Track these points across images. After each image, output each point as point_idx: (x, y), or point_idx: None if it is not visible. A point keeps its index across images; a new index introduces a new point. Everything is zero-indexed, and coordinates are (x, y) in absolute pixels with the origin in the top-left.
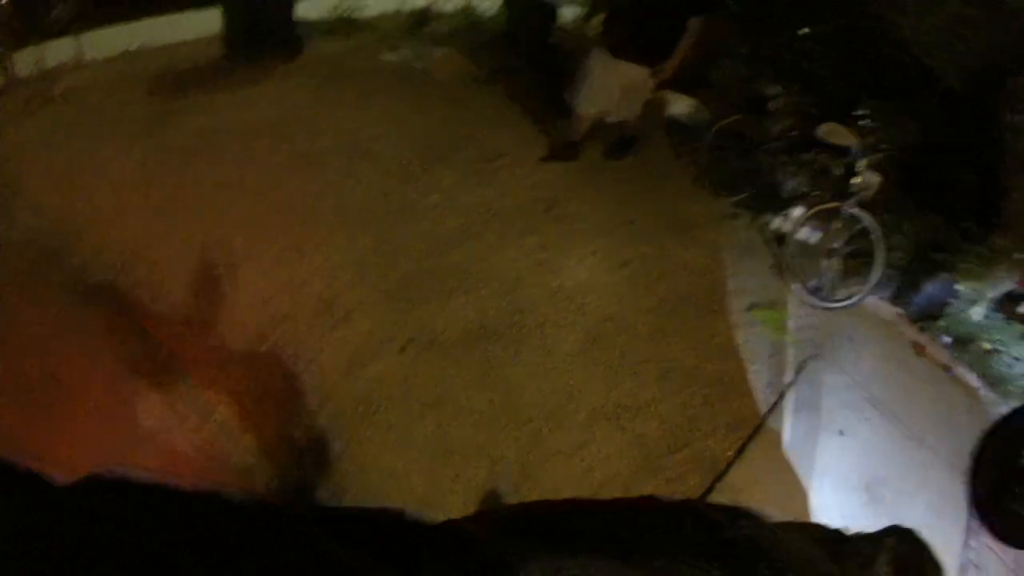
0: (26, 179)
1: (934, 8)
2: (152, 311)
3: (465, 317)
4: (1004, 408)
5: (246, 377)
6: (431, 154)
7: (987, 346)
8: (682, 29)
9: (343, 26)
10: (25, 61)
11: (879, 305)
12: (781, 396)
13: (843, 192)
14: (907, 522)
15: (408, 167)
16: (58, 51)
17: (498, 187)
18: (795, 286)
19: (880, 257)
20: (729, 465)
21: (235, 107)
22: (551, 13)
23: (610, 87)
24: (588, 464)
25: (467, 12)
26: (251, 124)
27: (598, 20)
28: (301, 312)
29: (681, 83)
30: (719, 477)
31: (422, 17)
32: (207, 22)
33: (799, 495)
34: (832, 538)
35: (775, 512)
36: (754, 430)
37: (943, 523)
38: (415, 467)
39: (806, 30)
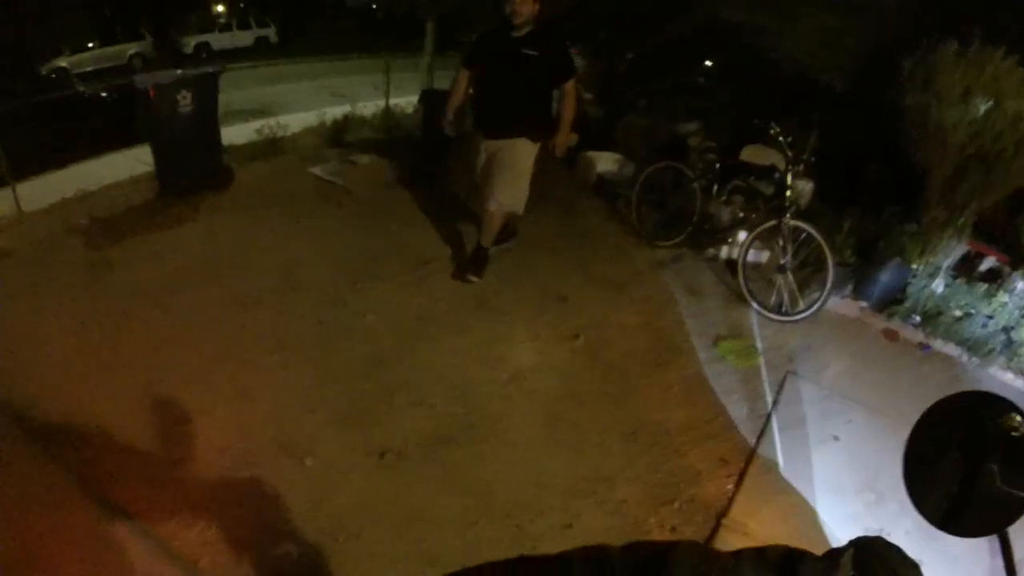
0: None
1: (795, 25)
2: (116, 472)
3: (422, 429)
4: (991, 370)
5: (220, 525)
6: (360, 273)
7: (957, 313)
8: (547, 98)
9: (268, 148)
10: None
11: (842, 304)
12: (767, 419)
13: (778, 208)
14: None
15: (339, 292)
16: None
17: (427, 294)
18: (756, 307)
19: (830, 260)
20: (731, 501)
21: (170, 252)
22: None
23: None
24: (579, 544)
25: (385, 114)
26: (185, 270)
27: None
28: (260, 455)
29: (593, 143)
30: (721, 515)
31: (342, 126)
32: (138, 161)
33: (806, 512)
34: (790, 559)
35: (784, 537)
36: (747, 459)
37: None
38: None
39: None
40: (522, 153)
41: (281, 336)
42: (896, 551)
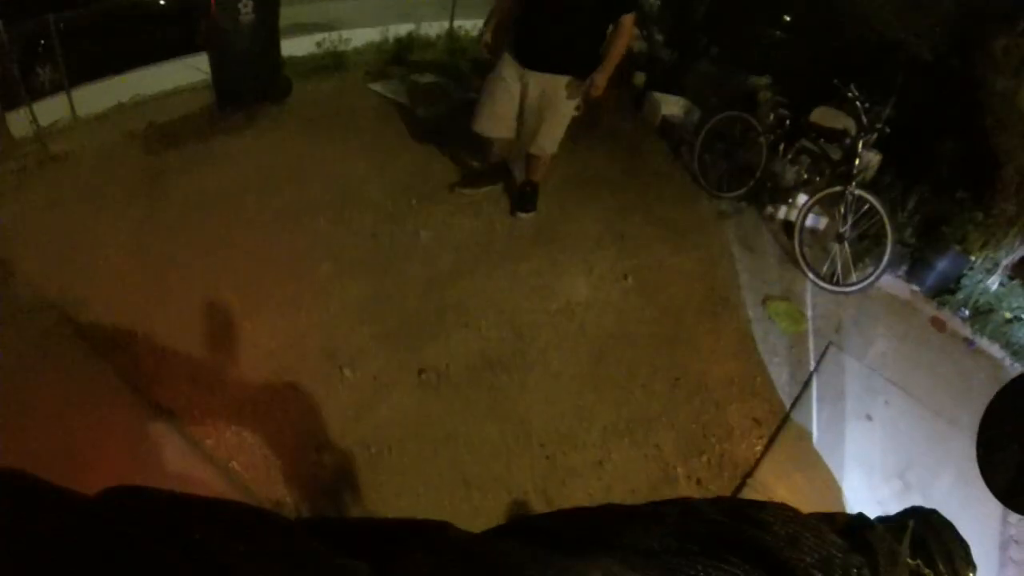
0: (26, 249)
1: None
2: (160, 372)
3: (468, 351)
4: None
5: (257, 429)
6: (418, 192)
7: (1007, 315)
8: (602, 33)
9: (328, 61)
10: (18, 123)
11: (894, 284)
12: (805, 386)
13: (844, 175)
14: (941, 503)
15: (396, 208)
16: (51, 110)
17: (486, 218)
18: (808, 274)
19: (890, 236)
20: (758, 462)
21: (227, 160)
22: None
23: (506, 107)
24: (606, 483)
25: (450, 36)
26: (242, 178)
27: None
28: (305, 363)
29: (661, 85)
30: (747, 475)
31: (406, 44)
32: (196, 69)
33: (831, 488)
34: (857, 525)
35: (809, 508)
36: (780, 424)
37: (977, 500)
38: (432, 505)
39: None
40: (570, 93)
41: (335, 248)
42: (951, 527)
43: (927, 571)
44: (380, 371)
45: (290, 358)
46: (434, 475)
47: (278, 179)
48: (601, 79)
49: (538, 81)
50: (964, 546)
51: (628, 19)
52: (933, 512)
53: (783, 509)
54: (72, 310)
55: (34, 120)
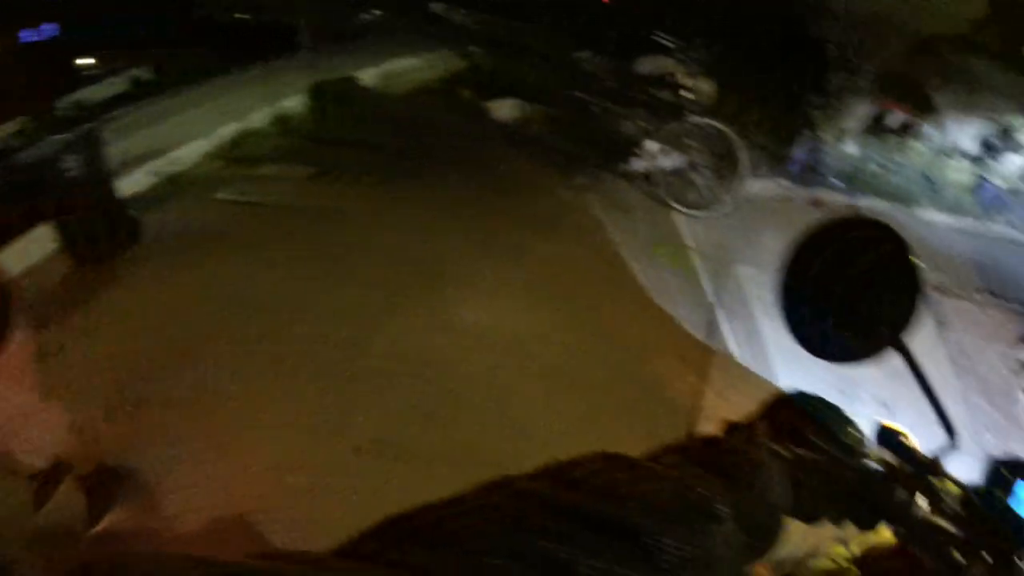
0: None
1: None
2: None
3: (402, 411)
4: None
5: None
6: (302, 281)
7: (875, 168)
8: None
9: (168, 187)
10: None
11: (766, 186)
12: (714, 311)
13: (679, 109)
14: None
15: (285, 304)
16: None
17: (369, 284)
18: (681, 209)
19: (740, 148)
20: (700, 396)
21: (104, 321)
22: (353, 86)
23: None
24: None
25: (278, 120)
26: (124, 332)
27: None
28: (264, 488)
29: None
30: (695, 410)
31: (238, 142)
32: (45, 239)
33: (771, 390)
34: (715, 443)
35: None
36: (706, 354)
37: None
38: None
39: None
40: None
41: (237, 363)
42: (818, 400)
43: (804, 452)
44: (321, 466)
45: (245, 487)
46: None
47: (156, 321)
48: None
49: None
50: (837, 412)
51: None
52: (797, 394)
53: (599, 460)
54: None
55: None
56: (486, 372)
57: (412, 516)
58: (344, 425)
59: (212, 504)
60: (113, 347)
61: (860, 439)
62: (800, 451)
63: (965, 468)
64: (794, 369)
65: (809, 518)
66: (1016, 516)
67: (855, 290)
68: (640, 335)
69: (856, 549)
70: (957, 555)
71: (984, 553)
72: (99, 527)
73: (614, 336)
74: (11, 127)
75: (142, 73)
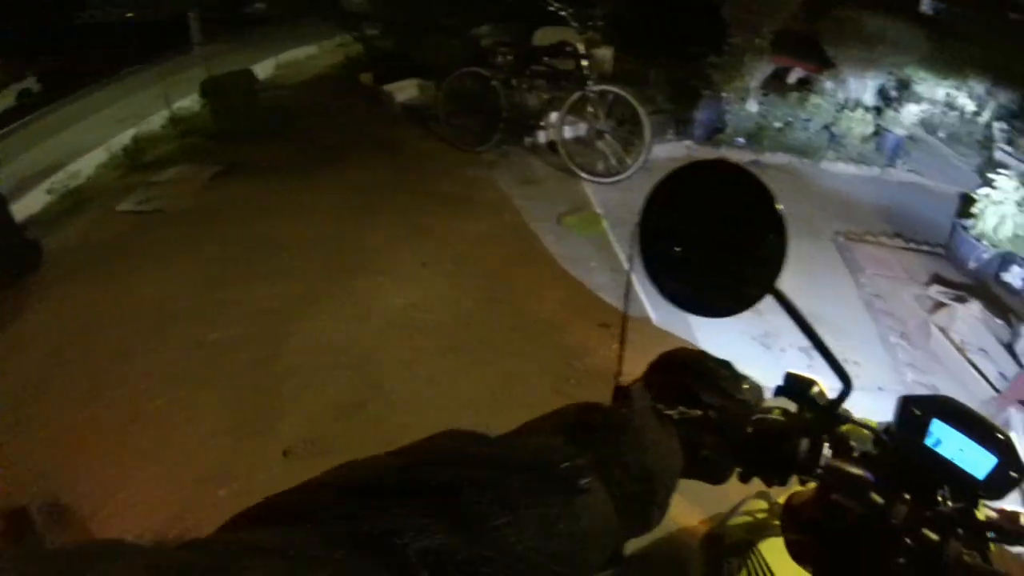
0: None
1: None
2: None
3: (323, 408)
4: (823, 165)
5: None
6: (214, 283)
7: (778, 125)
8: None
9: (68, 203)
10: None
11: (672, 148)
12: (628, 276)
13: (580, 78)
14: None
15: (195, 305)
16: None
17: (286, 276)
18: (587, 176)
19: (641, 113)
20: (620, 361)
21: (15, 350)
22: (248, 76)
23: None
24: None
25: (175, 120)
26: (36, 359)
27: None
28: (187, 503)
29: (390, 77)
30: (617, 375)
31: (136, 149)
32: None
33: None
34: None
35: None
36: (622, 320)
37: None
38: None
39: None
40: None
41: (163, 373)
42: (702, 356)
43: (694, 412)
44: (251, 473)
45: (171, 504)
46: None
47: (75, 340)
48: None
49: None
50: (726, 365)
51: None
52: (679, 351)
53: (449, 437)
54: None
55: None
56: (409, 359)
57: (278, 496)
58: (270, 428)
59: (148, 523)
60: (28, 375)
61: (757, 392)
62: (689, 411)
63: (889, 408)
64: (712, 327)
65: (715, 479)
66: (931, 453)
67: (718, 239)
68: (558, 305)
69: (778, 500)
70: (876, 497)
71: (904, 493)
72: None
73: (533, 309)
74: None
75: (28, 85)
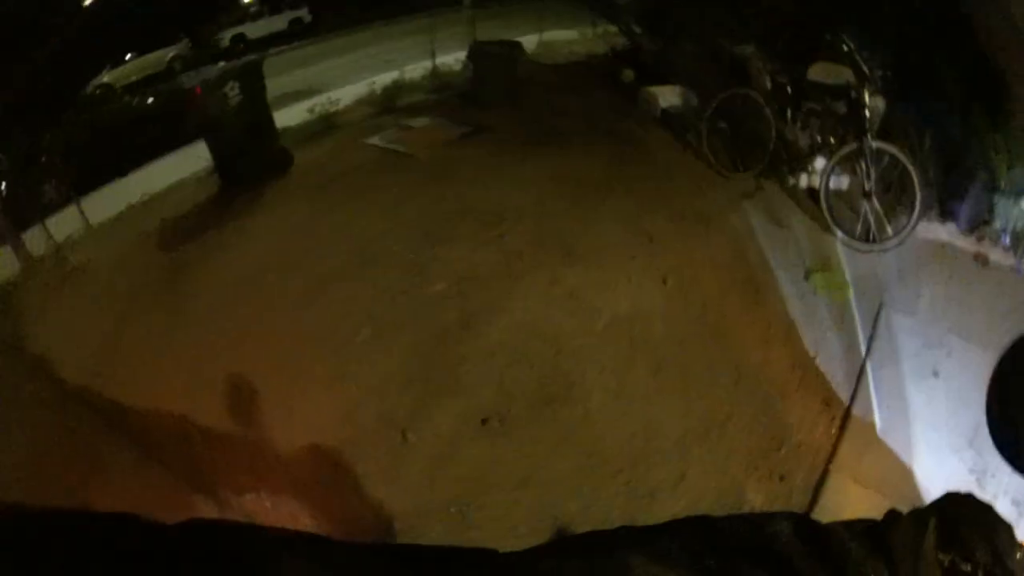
0: (63, 367)
1: None
2: (216, 467)
3: (524, 389)
4: None
5: (327, 509)
6: (435, 238)
7: None
8: None
9: (322, 125)
10: (35, 241)
11: (928, 227)
12: (865, 356)
13: (858, 130)
14: None
15: (418, 258)
16: (64, 223)
17: (505, 250)
18: (842, 237)
19: (917, 181)
20: (835, 446)
21: (243, 242)
22: (515, 51)
23: None
24: (691, 496)
25: (435, 74)
26: (260, 257)
27: None
28: (364, 434)
29: (651, 77)
30: (828, 460)
31: (393, 92)
32: (197, 158)
33: (909, 453)
34: (881, 527)
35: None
36: (850, 400)
37: None
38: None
39: None
40: None
41: (366, 311)
42: (989, 510)
43: (964, 565)
44: (443, 428)
45: (347, 431)
46: (520, 521)
47: (295, 252)
48: None
49: None
50: (1007, 528)
51: None
52: (968, 496)
53: (791, 518)
54: (117, 419)
55: (49, 236)
56: (614, 368)
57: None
58: (463, 392)
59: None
60: (244, 273)
61: (1013, 547)
62: (961, 563)
63: None
64: (936, 439)
65: None
66: None
67: None
68: (786, 362)
69: None
70: None
71: None
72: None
73: (756, 363)
74: (173, 51)
75: (301, 15)
